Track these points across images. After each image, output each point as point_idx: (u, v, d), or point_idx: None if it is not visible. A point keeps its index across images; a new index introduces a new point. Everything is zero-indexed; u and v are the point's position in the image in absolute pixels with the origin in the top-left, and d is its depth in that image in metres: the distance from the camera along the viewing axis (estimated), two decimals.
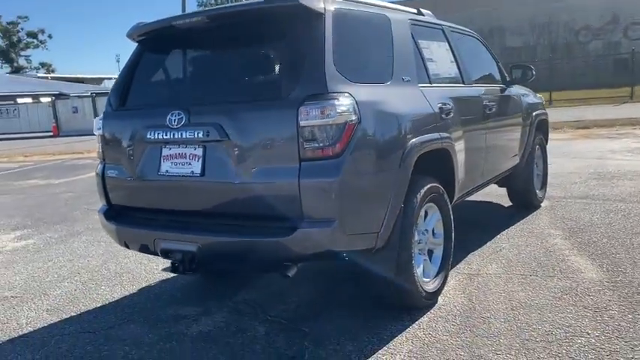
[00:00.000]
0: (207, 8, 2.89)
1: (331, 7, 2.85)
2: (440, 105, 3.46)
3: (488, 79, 4.84)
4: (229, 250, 2.80)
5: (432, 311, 3.28)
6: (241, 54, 3.12)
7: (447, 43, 4.08)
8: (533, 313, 3.15)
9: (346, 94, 2.66)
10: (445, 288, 3.60)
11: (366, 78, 2.97)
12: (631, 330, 2.87)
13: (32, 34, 64.55)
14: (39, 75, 60.30)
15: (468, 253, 4.31)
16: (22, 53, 65.53)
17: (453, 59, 4.08)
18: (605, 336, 2.83)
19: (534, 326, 2.99)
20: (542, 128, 5.67)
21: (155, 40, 3.32)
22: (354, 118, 2.64)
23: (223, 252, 2.83)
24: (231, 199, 2.83)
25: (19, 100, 37.54)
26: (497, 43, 32.85)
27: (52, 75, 59.71)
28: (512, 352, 2.73)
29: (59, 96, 34.19)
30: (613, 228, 4.70)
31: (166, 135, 2.92)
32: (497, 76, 4.96)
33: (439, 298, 3.44)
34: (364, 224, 2.81)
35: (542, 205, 5.72)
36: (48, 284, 4.30)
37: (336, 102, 2.58)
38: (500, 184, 5.50)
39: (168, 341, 3.15)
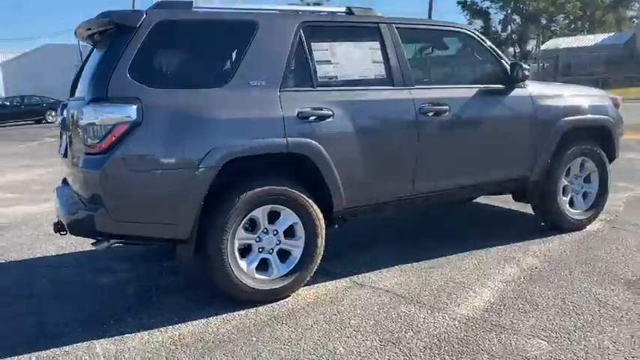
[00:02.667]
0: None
1: (153, 20, 3.20)
2: (303, 110, 3.44)
3: (463, 79, 4.33)
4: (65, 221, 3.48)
5: (260, 308, 3.42)
6: (93, 60, 3.69)
7: (378, 43, 3.86)
8: (331, 334, 3.06)
9: (129, 99, 3.05)
10: (313, 290, 3.66)
11: (177, 83, 3.28)
12: None
13: None
14: None
15: (401, 262, 4.11)
16: None
17: (381, 60, 3.85)
18: None
19: (290, 345, 2.96)
20: (585, 136, 4.68)
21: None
22: (129, 120, 3.03)
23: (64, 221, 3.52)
24: (72, 179, 3.55)
25: None
26: None
27: None
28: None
29: None
30: (603, 266, 3.85)
31: (59, 122, 3.75)
32: (493, 76, 4.30)
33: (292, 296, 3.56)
34: (146, 215, 3.18)
35: (588, 228, 4.81)
36: None
37: (106, 105, 3.04)
38: (517, 198, 4.84)
39: (79, 284, 4.04)
